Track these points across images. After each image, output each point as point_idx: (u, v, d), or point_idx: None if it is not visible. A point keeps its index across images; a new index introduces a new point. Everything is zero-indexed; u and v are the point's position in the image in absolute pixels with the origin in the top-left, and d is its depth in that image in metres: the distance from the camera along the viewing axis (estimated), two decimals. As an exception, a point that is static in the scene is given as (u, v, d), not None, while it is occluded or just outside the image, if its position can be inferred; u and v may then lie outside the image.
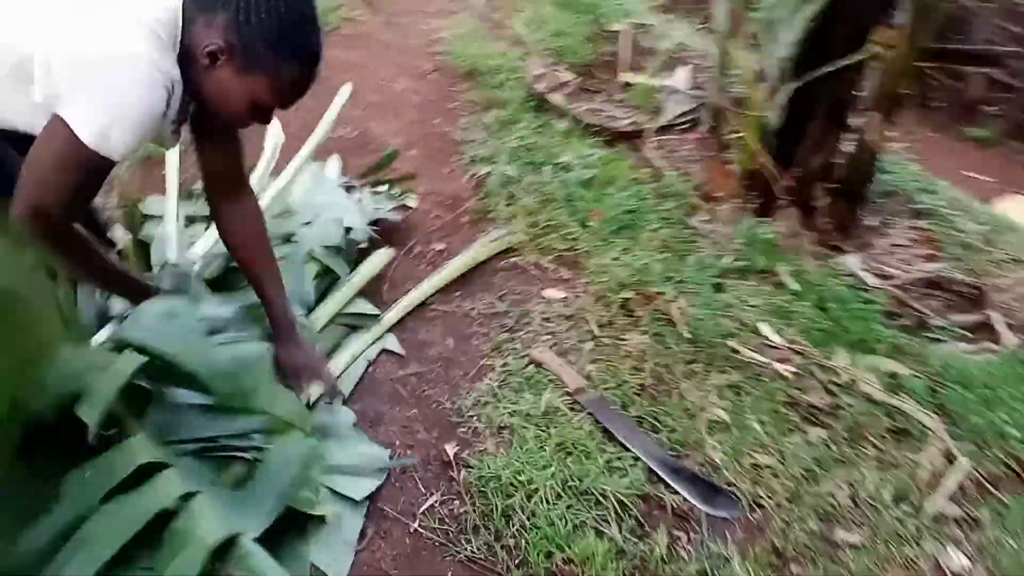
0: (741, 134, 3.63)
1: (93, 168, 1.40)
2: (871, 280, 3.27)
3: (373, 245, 2.79)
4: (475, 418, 2.29)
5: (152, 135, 1.49)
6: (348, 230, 2.69)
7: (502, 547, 1.94)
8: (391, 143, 3.64)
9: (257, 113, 1.55)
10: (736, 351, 2.63)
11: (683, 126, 4.12)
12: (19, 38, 1.41)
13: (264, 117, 1.58)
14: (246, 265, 1.99)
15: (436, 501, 2.06)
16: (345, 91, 3.11)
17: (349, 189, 3.01)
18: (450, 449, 2.19)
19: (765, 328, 2.73)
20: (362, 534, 1.95)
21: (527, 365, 2.47)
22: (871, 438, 2.44)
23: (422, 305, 2.70)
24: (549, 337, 2.59)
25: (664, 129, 4.10)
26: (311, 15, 1.47)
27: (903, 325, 2.98)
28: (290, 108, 1.60)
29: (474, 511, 2.02)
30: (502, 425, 2.26)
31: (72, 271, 1.67)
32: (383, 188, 3.12)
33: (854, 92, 3.58)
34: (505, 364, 2.46)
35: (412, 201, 3.16)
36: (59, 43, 1.39)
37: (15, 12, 1.45)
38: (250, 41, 1.41)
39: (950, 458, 2.39)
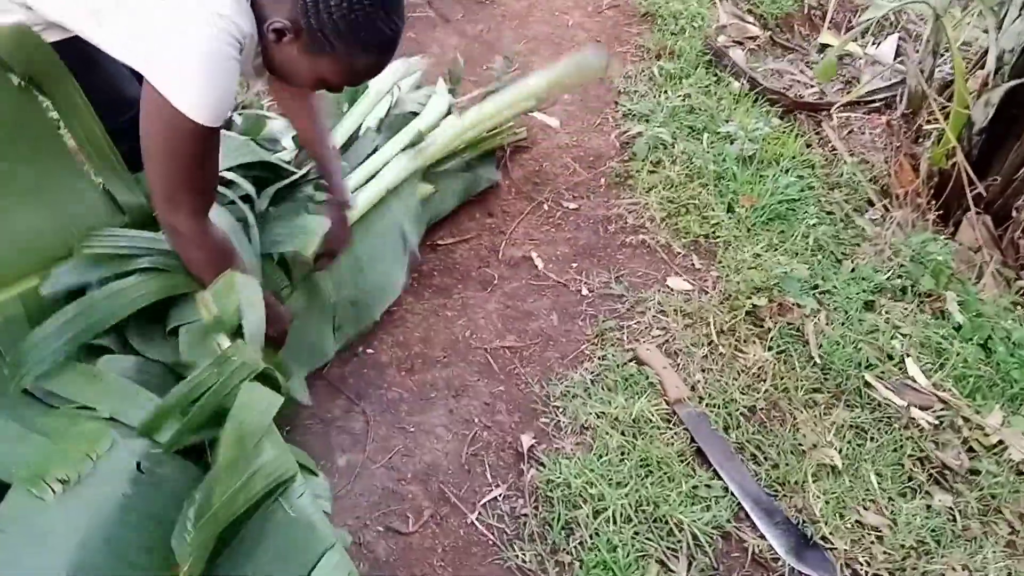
0: (939, 127, 3.17)
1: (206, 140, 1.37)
2: (1064, 315, 2.83)
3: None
4: (560, 410, 2.15)
5: (233, 96, 1.40)
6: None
7: (555, 563, 1.82)
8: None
9: (325, 87, 1.47)
10: (870, 386, 2.32)
11: (876, 105, 3.66)
12: None
13: (333, 90, 1.49)
14: (309, 146, 2.03)
15: (500, 495, 1.96)
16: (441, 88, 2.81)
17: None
18: (526, 440, 2.07)
19: (911, 365, 2.40)
20: (419, 513, 1.89)
21: (629, 361, 2.28)
22: (1008, 516, 2.12)
23: (536, 272, 2.55)
24: (661, 333, 2.39)
25: (853, 105, 3.65)
26: (394, 5, 1.33)
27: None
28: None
29: (535, 516, 1.91)
30: (586, 425, 2.11)
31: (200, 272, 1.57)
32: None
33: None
34: (605, 356, 2.29)
35: (553, 121, 3.06)
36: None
37: None
38: (317, 26, 1.30)
39: (1103, 559, 2.03)
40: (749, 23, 4.06)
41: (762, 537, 1.95)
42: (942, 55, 3.32)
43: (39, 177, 1.39)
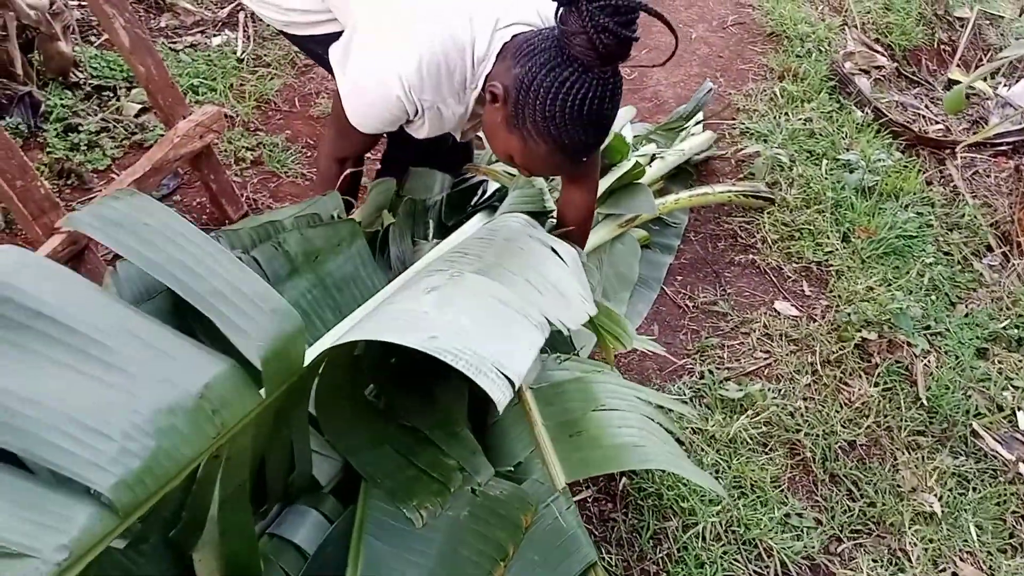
0: (1071, 176, 3.05)
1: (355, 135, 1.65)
2: None
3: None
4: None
5: (390, 129, 1.62)
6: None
7: (641, 571, 1.82)
8: (665, 93, 3.43)
9: (509, 163, 1.53)
10: (977, 435, 2.25)
11: (1003, 148, 3.53)
12: None
13: (518, 168, 1.54)
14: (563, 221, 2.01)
15: (590, 496, 1.96)
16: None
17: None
18: (620, 446, 2.06)
19: (1023, 418, 2.31)
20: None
21: (727, 379, 2.26)
22: (1114, 590, 2.02)
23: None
24: (764, 356, 2.35)
25: (979, 146, 3.53)
26: (598, 119, 1.35)
27: None
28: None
29: (624, 522, 1.91)
30: (681, 439, 2.09)
31: None
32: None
33: None
34: (704, 373, 2.27)
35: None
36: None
37: None
38: (523, 107, 1.36)
39: None
40: (877, 52, 3.96)
41: (852, 571, 1.91)
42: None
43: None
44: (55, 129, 2.52)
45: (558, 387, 1.68)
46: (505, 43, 1.44)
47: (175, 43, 3.03)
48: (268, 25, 3.15)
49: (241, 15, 3.26)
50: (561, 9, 1.27)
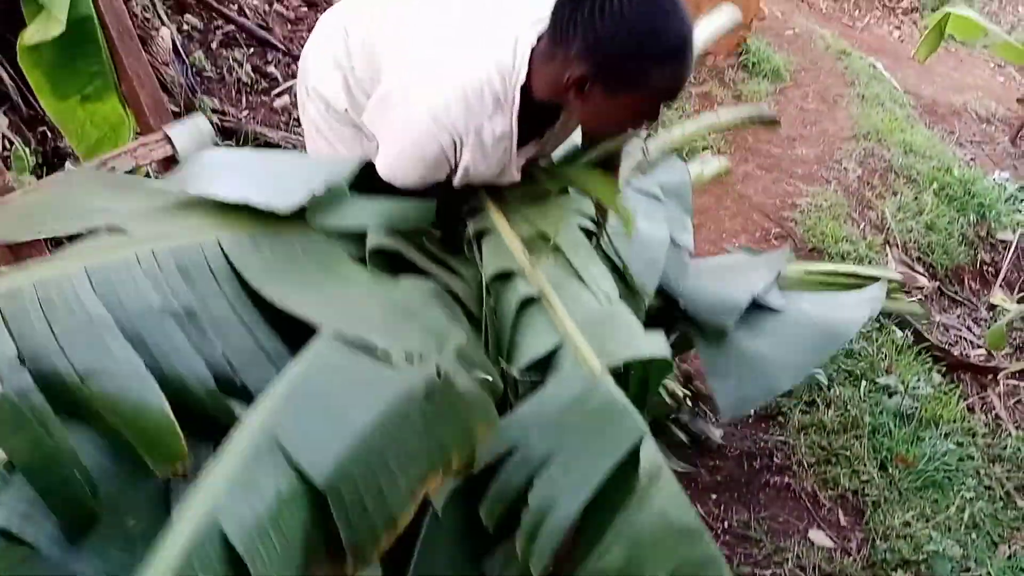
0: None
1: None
2: None
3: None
4: (682, 654, 2.08)
5: (437, 175, 1.52)
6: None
7: None
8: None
9: (642, 121, 1.49)
10: None
11: (1048, 377, 3.53)
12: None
13: (651, 120, 1.51)
14: None
15: None
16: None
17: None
18: None
19: None
20: None
21: (761, 616, 2.21)
22: None
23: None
24: (797, 590, 2.31)
25: (1022, 373, 3.53)
26: (664, 4, 1.30)
27: None
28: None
29: None
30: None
31: None
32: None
33: None
34: (736, 606, 2.23)
35: None
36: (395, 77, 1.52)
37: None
38: (610, 59, 1.32)
39: None
40: (918, 272, 4.05)
41: None
42: None
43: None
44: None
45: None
46: (534, 47, 1.41)
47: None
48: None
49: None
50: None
